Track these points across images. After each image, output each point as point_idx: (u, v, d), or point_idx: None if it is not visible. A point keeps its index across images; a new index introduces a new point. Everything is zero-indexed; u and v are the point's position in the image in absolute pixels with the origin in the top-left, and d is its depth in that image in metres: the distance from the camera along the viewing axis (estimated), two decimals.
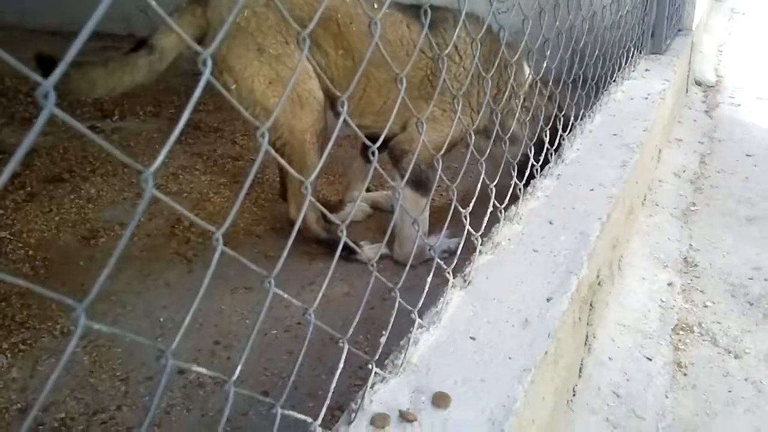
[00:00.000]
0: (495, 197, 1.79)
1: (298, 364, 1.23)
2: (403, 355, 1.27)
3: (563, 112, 2.40)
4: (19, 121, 4.17)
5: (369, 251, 2.60)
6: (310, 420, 1.13)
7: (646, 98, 2.89)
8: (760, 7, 8.50)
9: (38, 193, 3.19)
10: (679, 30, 4.47)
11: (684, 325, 2.25)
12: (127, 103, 4.32)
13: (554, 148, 2.27)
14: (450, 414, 1.15)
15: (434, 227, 2.64)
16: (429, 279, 1.36)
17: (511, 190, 1.87)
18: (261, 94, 2.33)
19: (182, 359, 2.11)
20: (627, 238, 2.55)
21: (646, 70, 3.40)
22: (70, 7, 4.13)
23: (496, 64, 1.91)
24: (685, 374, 2.05)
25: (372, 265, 1.16)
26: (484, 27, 1.70)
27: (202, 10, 2.27)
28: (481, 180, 1.67)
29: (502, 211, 1.74)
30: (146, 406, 1.93)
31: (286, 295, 0.96)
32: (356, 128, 1.16)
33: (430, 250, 1.42)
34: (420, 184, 2.48)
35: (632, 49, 3.38)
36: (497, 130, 1.93)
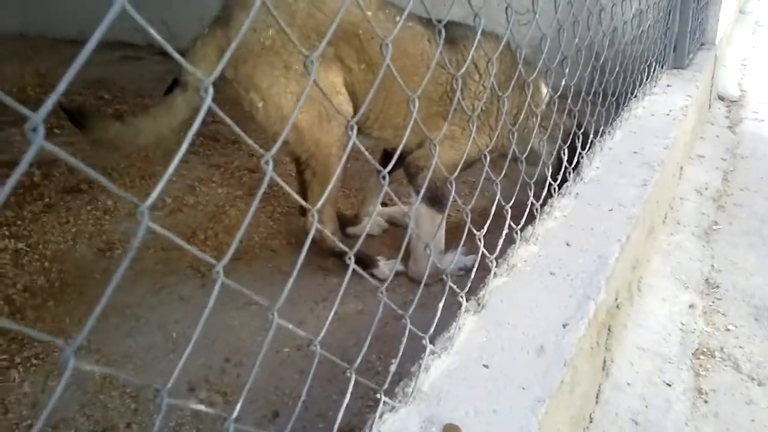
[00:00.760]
0: (511, 217, 1.75)
1: (307, 385, 1.21)
2: (413, 383, 1.23)
3: (582, 129, 2.36)
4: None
5: (384, 267, 2.58)
6: None
7: (668, 114, 2.84)
8: None
9: (56, 204, 3.20)
10: (702, 44, 4.40)
11: (705, 350, 2.20)
12: (140, 107, 4.34)
13: (573, 166, 2.23)
14: None
15: (450, 243, 2.61)
16: (441, 305, 1.33)
17: (528, 209, 1.84)
18: (289, 111, 2.31)
19: (192, 376, 2.10)
20: (647, 257, 2.50)
21: (668, 85, 3.35)
22: (90, 15, 4.15)
23: (513, 83, 1.88)
24: (705, 401, 1.99)
25: (381, 292, 1.13)
26: (501, 45, 1.67)
27: (222, 32, 2.26)
28: (496, 200, 1.64)
29: (518, 232, 1.71)
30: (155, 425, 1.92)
31: (290, 326, 0.93)
32: (366, 152, 1.14)
33: (443, 273, 1.39)
34: (435, 200, 2.45)
35: (654, 64, 3.33)
36: (514, 150, 1.91)
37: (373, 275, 2.58)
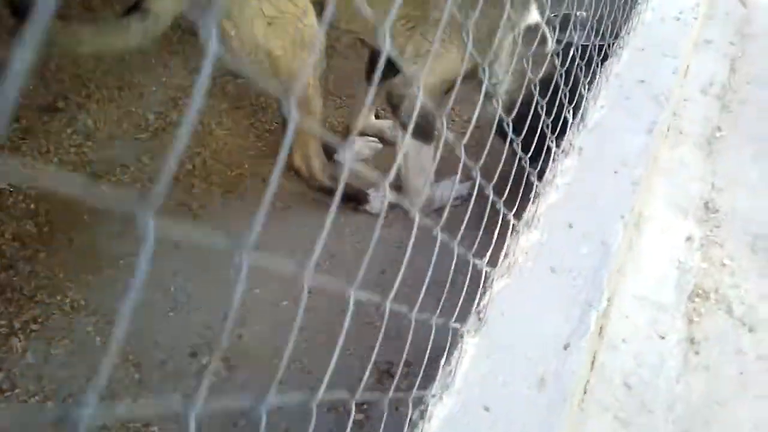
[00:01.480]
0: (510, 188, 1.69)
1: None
2: None
3: (585, 60, 2.20)
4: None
5: (375, 201, 2.53)
6: None
7: (678, 19, 2.64)
8: None
9: (33, 128, 3.06)
10: None
11: (700, 291, 2.21)
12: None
13: (573, 105, 2.11)
14: None
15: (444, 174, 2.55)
16: (442, 362, 1.30)
17: (524, 182, 1.76)
18: (262, 36, 2.16)
19: (195, 338, 2.11)
20: (648, 185, 2.44)
21: None
22: None
23: None
24: (697, 352, 2.03)
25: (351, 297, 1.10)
26: None
27: None
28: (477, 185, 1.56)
29: (516, 219, 1.64)
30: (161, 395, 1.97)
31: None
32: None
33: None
34: (420, 129, 2.34)
35: None
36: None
37: (365, 211, 2.54)
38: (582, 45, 2.07)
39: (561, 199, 1.75)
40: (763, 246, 2.36)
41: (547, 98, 1.73)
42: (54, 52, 3.02)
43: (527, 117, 1.64)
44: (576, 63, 2.06)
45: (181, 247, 2.47)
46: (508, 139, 1.53)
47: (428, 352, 1.23)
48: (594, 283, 1.50)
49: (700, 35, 3.54)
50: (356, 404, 1.94)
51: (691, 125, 2.93)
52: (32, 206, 2.63)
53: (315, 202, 2.59)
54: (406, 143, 2.34)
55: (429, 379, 1.49)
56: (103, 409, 0.46)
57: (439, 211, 2.50)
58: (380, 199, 2.52)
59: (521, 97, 1.76)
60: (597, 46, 2.26)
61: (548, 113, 1.79)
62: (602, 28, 2.36)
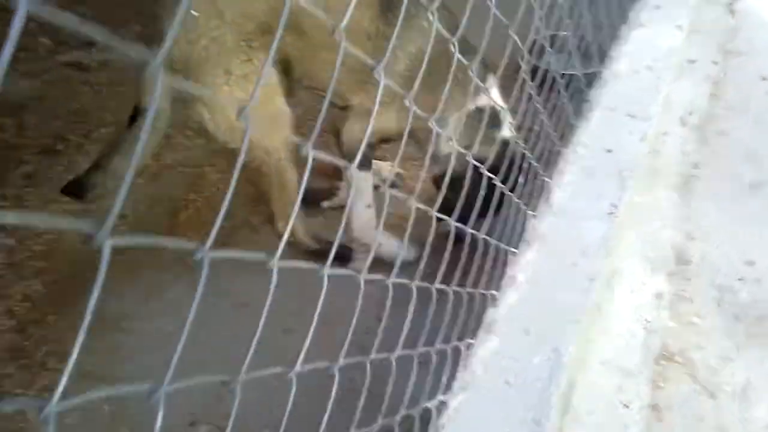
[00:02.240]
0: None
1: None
2: None
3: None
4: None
5: (360, 263, 2.66)
6: None
7: (651, 68, 2.69)
8: None
9: (37, 173, 3.19)
10: None
11: (666, 353, 2.34)
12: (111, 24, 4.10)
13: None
14: None
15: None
16: None
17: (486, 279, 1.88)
18: (235, 120, 2.29)
19: (191, 406, 2.28)
20: (619, 240, 2.54)
21: (657, 6, 3.11)
22: None
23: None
24: (659, 420, 2.18)
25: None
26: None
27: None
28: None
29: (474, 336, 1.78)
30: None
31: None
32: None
33: None
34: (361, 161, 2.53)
35: None
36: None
37: (351, 268, 2.68)
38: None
39: (520, 299, 1.87)
40: (729, 300, 2.48)
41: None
42: None
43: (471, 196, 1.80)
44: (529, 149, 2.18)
45: (177, 304, 2.64)
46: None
47: None
48: (542, 399, 1.64)
49: (684, 54, 3.57)
50: None
51: (668, 163, 3.01)
52: (38, 265, 2.79)
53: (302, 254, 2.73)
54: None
55: None
56: None
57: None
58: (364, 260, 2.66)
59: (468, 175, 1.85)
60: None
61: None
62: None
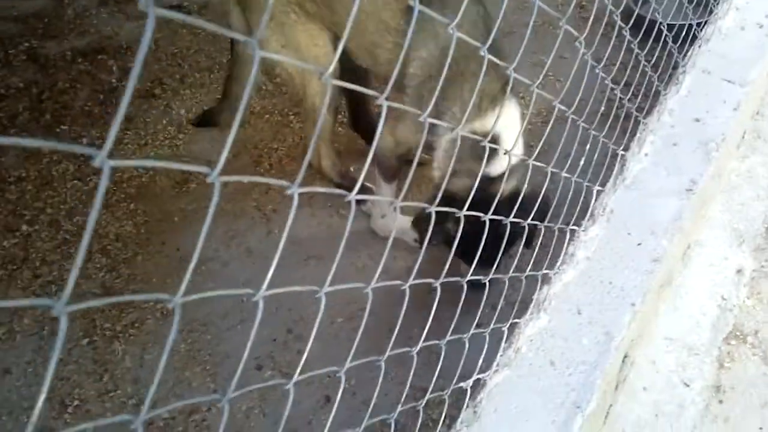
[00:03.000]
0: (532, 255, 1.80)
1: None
2: None
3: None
4: None
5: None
6: None
7: (762, 26, 2.46)
8: None
9: (135, 117, 3.36)
10: None
11: (738, 333, 2.24)
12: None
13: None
14: None
15: None
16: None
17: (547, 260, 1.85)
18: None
19: (259, 351, 2.40)
20: (707, 203, 2.40)
21: None
22: None
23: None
24: (720, 401, 2.10)
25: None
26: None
27: None
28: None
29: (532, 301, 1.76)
30: (233, 408, 2.30)
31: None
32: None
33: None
34: (380, 166, 2.61)
35: None
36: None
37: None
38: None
39: (577, 277, 1.82)
40: None
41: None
42: None
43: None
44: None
45: (253, 252, 2.76)
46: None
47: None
48: (586, 384, 1.62)
49: None
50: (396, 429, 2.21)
51: None
52: (131, 206, 2.97)
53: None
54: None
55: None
56: None
57: None
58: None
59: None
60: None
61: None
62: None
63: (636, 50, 1.98)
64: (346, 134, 3.13)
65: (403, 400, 1.57)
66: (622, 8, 1.91)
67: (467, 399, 1.65)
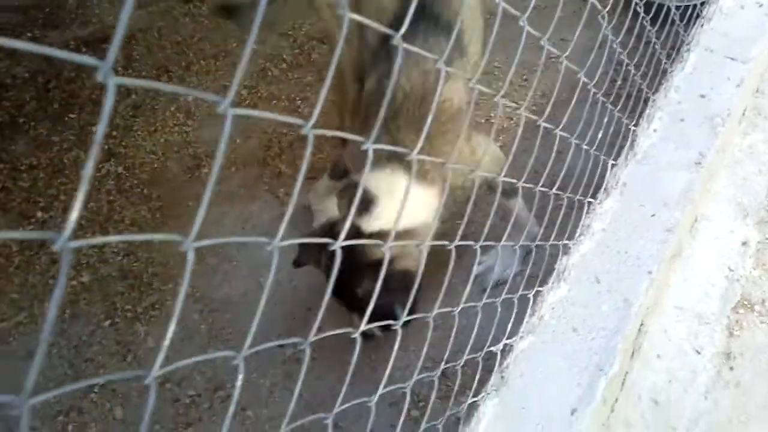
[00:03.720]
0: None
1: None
2: None
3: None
4: None
5: None
6: None
7: (760, 4, 2.53)
8: None
9: (142, 104, 3.40)
10: None
11: (745, 303, 2.32)
12: None
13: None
14: None
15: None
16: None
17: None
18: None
19: (280, 329, 2.45)
20: (712, 178, 2.47)
21: None
22: None
23: None
24: (731, 368, 2.19)
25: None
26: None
27: None
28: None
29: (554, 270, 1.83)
30: (257, 384, 2.36)
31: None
32: None
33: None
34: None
35: None
36: None
37: None
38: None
39: (594, 248, 1.89)
40: None
41: None
42: None
43: None
44: None
45: (269, 234, 2.80)
46: None
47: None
48: (608, 348, 1.69)
49: None
50: (413, 401, 2.27)
51: None
52: (145, 191, 3.01)
53: None
54: None
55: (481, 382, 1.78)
56: None
57: None
58: None
59: None
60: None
61: None
62: None
63: (648, 27, 2.04)
64: None
65: (419, 369, 1.58)
66: None
67: (478, 371, 1.71)
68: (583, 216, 1.96)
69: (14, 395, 0.60)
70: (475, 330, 1.70)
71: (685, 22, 2.38)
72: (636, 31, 2.05)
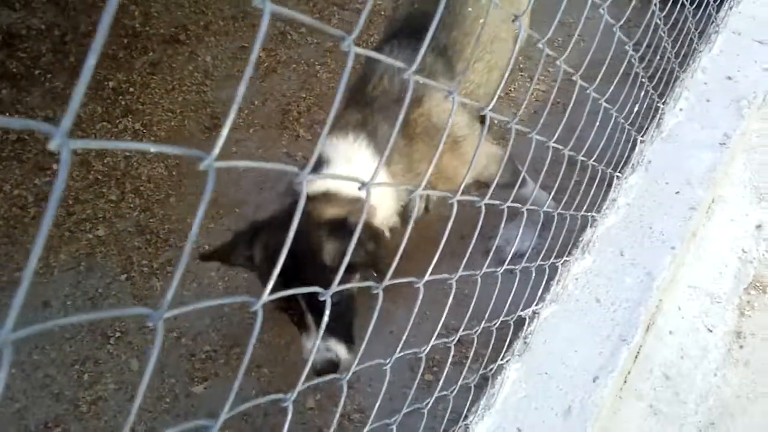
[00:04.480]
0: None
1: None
2: None
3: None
4: None
5: None
6: None
7: None
8: None
9: (160, 61, 3.39)
10: None
11: (758, 284, 2.35)
12: None
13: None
14: None
15: None
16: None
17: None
18: None
19: None
20: (730, 165, 2.49)
21: None
22: None
23: None
24: (741, 347, 2.23)
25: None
26: None
27: None
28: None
29: (577, 244, 1.86)
30: (272, 342, 2.39)
31: None
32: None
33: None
34: None
35: None
36: None
37: None
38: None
39: (619, 221, 1.92)
40: None
41: None
42: None
43: None
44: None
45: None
46: None
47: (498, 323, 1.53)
48: (630, 320, 1.72)
49: None
50: (428, 365, 2.30)
51: None
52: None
53: None
54: None
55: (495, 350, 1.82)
56: None
57: None
58: None
59: None
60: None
61: None
62: None
63: (687, 6, 2.06)
64: None
65: (435, 336, 1.58)
66: None
67: (492, 340, 1.74)
68: (611, 190, 1.98)
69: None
70: (493, 300, 1.72)
71: (717, 3, 2.39)
72: (675, 13, 2.06)
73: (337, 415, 1.16)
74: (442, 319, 1.63)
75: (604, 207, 1.94)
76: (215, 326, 2.45)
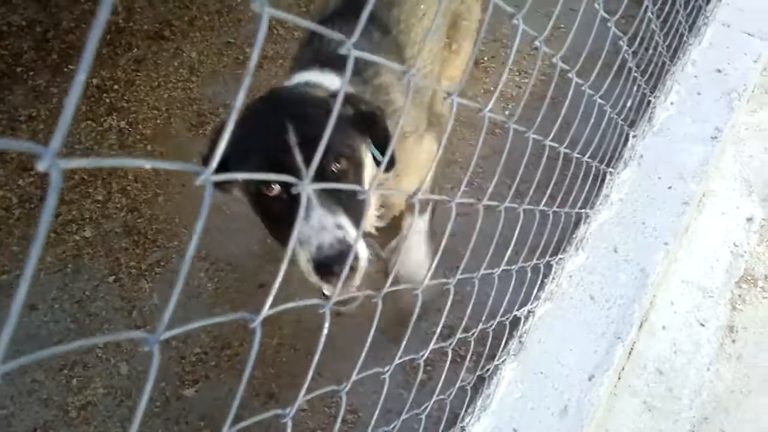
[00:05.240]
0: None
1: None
2: None
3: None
4: None
5: None
6: None
7: None
8: None
9: (145, 58, 3.33)
10: None
11: (749, 277, 2.36)
12: None
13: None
14: None
15: None
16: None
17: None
18: None
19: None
20: (721, 155, 2.49)
21: None
22: None
23: None
24: (734, 341, 2.23)
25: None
26: None
27: None
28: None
29: (569, 242, 1.84)
30: (263, 343, 2.37)
31: None
32: None
33: None
34: None
35: None
36: None
37: None
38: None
39: (612, 217, 1.91)
40: None
41: None
42: None
43: None
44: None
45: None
46: None
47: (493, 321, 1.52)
48: (625, 317, 1.72)
49: None
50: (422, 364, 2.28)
51: None
52: (149, 147, 2.97)
53: None
54: None
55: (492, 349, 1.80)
56: None
57: None
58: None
59: None
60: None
61: None
62: None
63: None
64: None
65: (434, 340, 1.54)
66: None
67: (489, 340, 1.73)
68: (604, 186, 1.97)
69: None
70: (491, 301, 1.70)
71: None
72: (666, 6, 2.05)
73: (337, 426, 1.14)
74: (441, 322, 1.62)
75: (597, 203, 1.93)
76: (205, 328, 2.42)
